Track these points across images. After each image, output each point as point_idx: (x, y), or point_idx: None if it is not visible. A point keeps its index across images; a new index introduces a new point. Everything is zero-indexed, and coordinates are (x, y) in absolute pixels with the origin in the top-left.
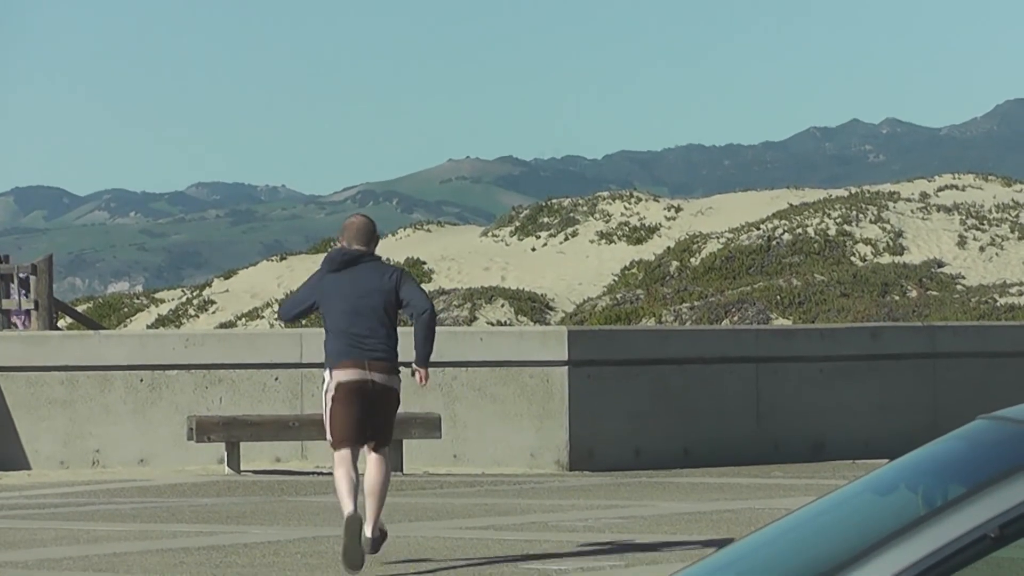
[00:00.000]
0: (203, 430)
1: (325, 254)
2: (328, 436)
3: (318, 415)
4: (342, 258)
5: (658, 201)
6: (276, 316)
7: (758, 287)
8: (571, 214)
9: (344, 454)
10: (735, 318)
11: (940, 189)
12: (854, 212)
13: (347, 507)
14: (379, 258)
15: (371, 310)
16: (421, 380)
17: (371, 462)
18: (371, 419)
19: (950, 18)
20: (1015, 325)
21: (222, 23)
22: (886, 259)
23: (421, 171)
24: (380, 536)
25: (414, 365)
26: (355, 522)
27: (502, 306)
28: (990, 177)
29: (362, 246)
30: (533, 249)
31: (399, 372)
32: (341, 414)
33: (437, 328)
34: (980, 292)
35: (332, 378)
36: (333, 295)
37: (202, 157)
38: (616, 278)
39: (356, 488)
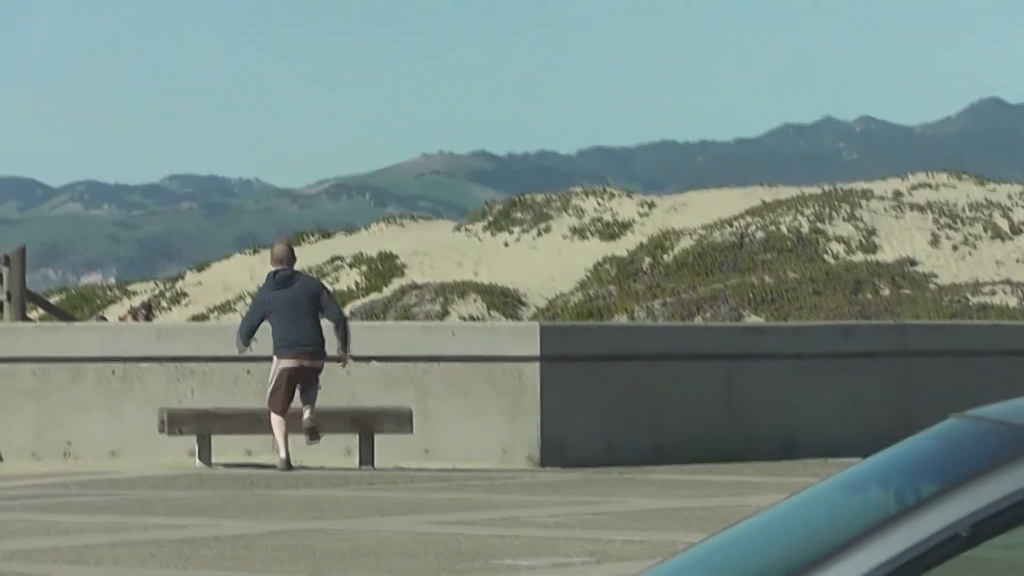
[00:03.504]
0: (175, 422)
1: (297, 247)
2: (267, 402)
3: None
4: (283, 278)
5: (631, 197)
6: (236, 340)
7: (731, 284)
8: (544, 210)
9: (278, 417)
10: (707, 315)
11: (914, 187)
12: (827, 210)
13: (280, 452)
14: (302, 273)
15: (305, 315)
16: (345, 363)
17: (307, 411)
18: (303, 391)
19: (924, 16)
20: (987, 324)
21: (198, 17)
22: (859, 257)
23: (394, 165)
24: (315, 430)
25: (340, 354)
26: (285, 463)
27: (474, 301)
28: (964, 176)
29: (289, 266)
30: (506, 244)
31: (324, 354)
32: (281, 391)
33: (405, 322)
34: (953, 291)
35: (278, 364)
36: (279, 306)
37: (176, 149)
38: (589, 274)
39: (285, 436)
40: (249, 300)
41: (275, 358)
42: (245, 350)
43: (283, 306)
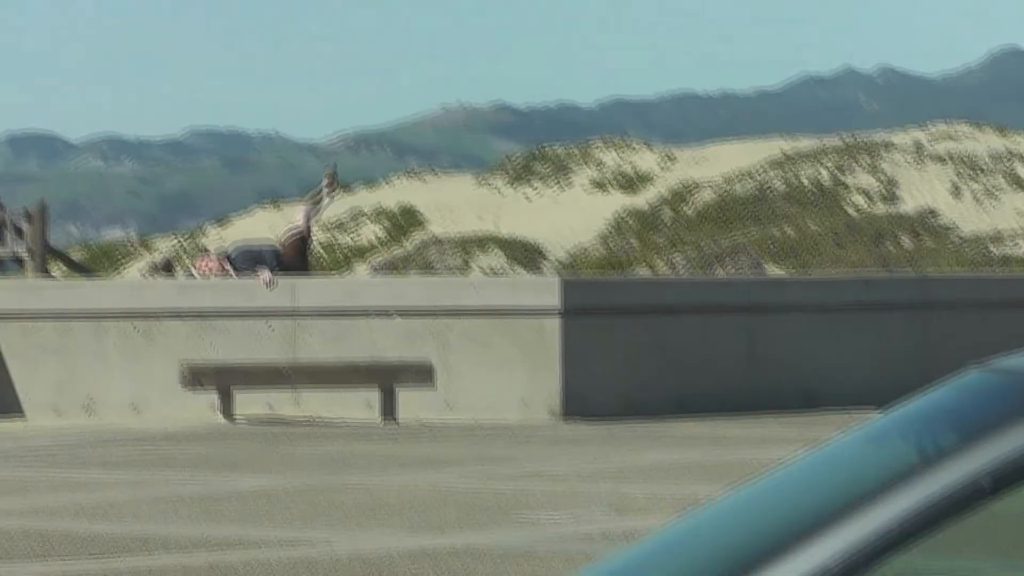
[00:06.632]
0: (196, 377)
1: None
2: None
3: (312, 363)
4: None
5: (652, 150)
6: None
7: (752, 236)
8: (565, 162)
9: None
10: (729, 267)
11: (935, 138)
12: (848, 161)
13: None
14: None
15: None
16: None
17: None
18: None
19: None
20: (1009, 276)
21: None
22: (880, 208)
23: (414, 118)
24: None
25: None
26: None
27: (496, 254)
28: (984, 127)
29: None
30: (527, 197)
31: None
32: None
33: (426, 277)
34: (974, 242)
35: None
36: None
37: (196, 104)
38: (610, 227)
39: None
40: None
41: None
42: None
43: None
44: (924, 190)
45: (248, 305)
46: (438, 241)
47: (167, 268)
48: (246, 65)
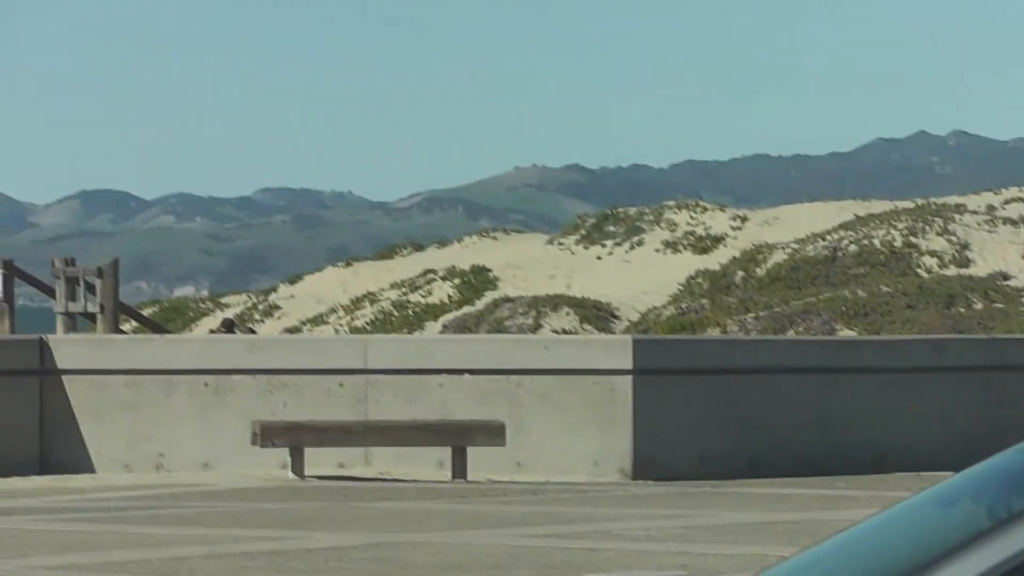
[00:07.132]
0: (267, 435)
1: (390, 260)
2: None
3: (383, 421)
4: None
5: (724, 211)
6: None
7: (823, 298)
8: (637, 223)
9: None
10: (800, 328)
11: (1007, 201)
12: (920, 224)
13: None
14: None
15: None
16: None
17: None
18: None
19: (1016, 31)
20: None
21: (289, 28)
22: (952, 271)
23: (487, 178)
24: None
25: None
26: None
27: (567, 314)
28: None
29: None
30: (599, 257)
31: None
32: None
33: (498, 335)
34: None
35: None
36: None
37: (268, 162)
38: (681, 287)
39: None
40: (341, 313)
41: None
42: None
43: None
44: (996, 253)
45: (319, 363)
46: (509, 301)
47: (229, 329)
48: (318, 124)
